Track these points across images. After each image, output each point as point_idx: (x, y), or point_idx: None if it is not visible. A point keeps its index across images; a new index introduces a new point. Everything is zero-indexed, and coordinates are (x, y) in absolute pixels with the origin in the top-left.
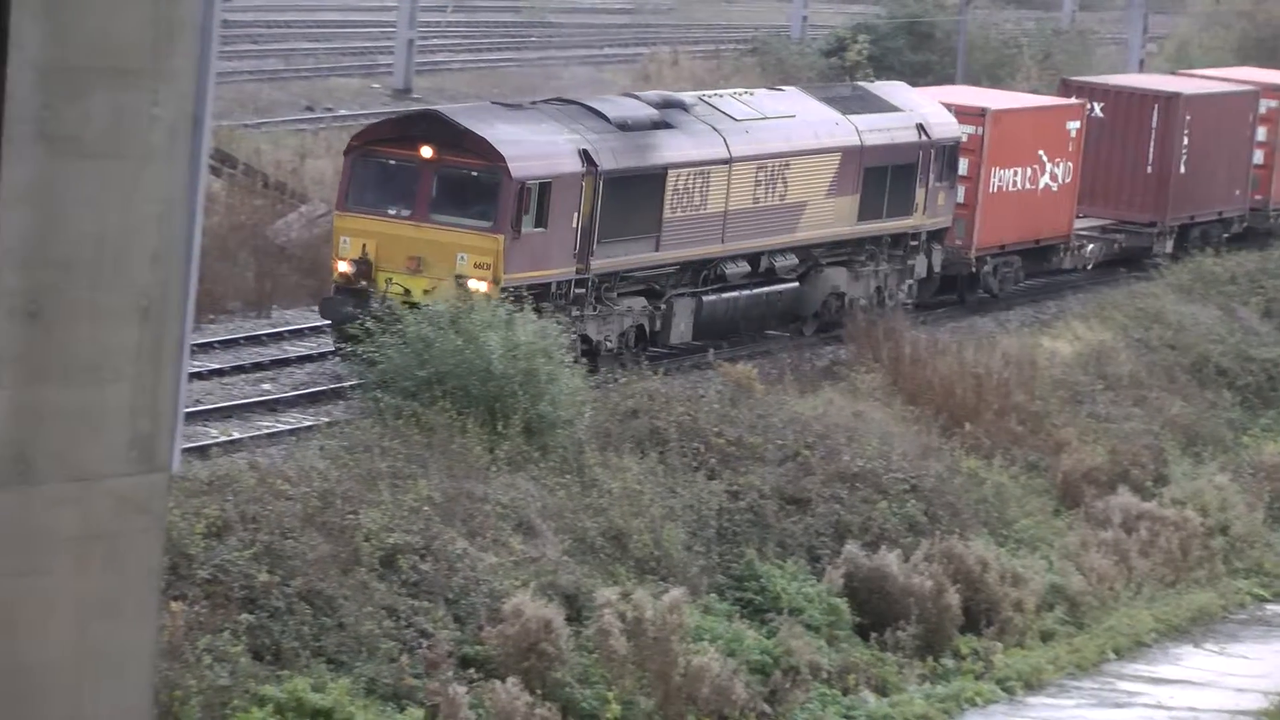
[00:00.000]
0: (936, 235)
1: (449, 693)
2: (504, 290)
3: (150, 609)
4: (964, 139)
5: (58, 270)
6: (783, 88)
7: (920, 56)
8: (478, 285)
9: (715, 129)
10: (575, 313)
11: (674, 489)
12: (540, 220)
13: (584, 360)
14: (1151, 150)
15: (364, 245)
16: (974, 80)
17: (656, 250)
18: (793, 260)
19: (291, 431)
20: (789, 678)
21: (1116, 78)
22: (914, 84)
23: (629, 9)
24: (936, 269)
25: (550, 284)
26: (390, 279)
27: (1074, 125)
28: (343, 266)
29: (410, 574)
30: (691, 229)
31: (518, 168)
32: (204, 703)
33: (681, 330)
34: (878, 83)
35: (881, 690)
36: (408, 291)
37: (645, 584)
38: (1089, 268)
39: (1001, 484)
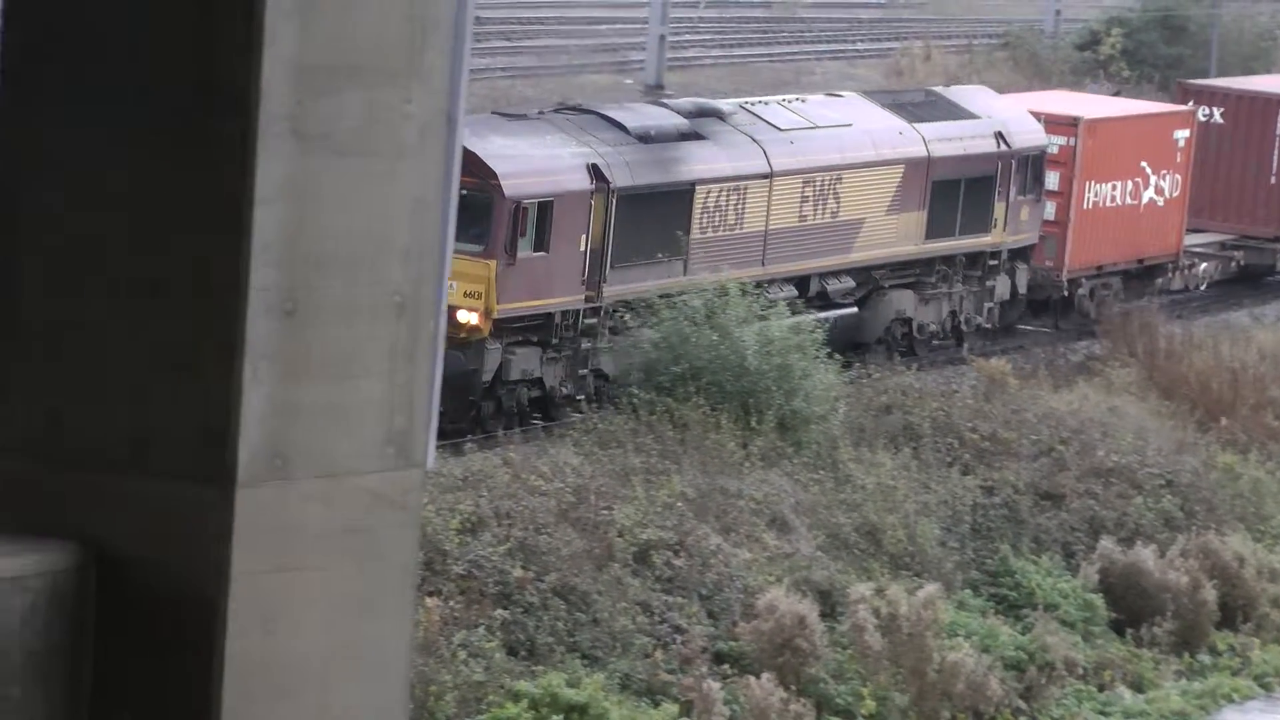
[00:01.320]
0: (1020, 254)
1: (703, 688)
2: (497, 321)
3: (406, 605)
4: (1054, 150)
5: (311, 267)
6: (843, 93)
7: (1174, 50)
8: (468, 317)
9: (755, 140)
10: (586, 345)
11: (928, 484)
12: (540, 243)
13: (594, 399)
14: (1276, 158)
15: None
16: (1227, 74)
17: (684, 274)
18: (849, 283)
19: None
20: (1044, 674)
21: (1238, 80)
22: (1166, 79)
23: (881, 4)
24: (1021, 290)
25: (554, 314)
26: None
27: (1182, 134)
28: None
29: (664, 570)
30: (725, 250)
31: (512, 185)
32: (459, 698)
33: None
34: (957, 88)
35: (1137, 686)
36: None
37: (899, 580)
38: (1202, 288)
39: (1258, 479)
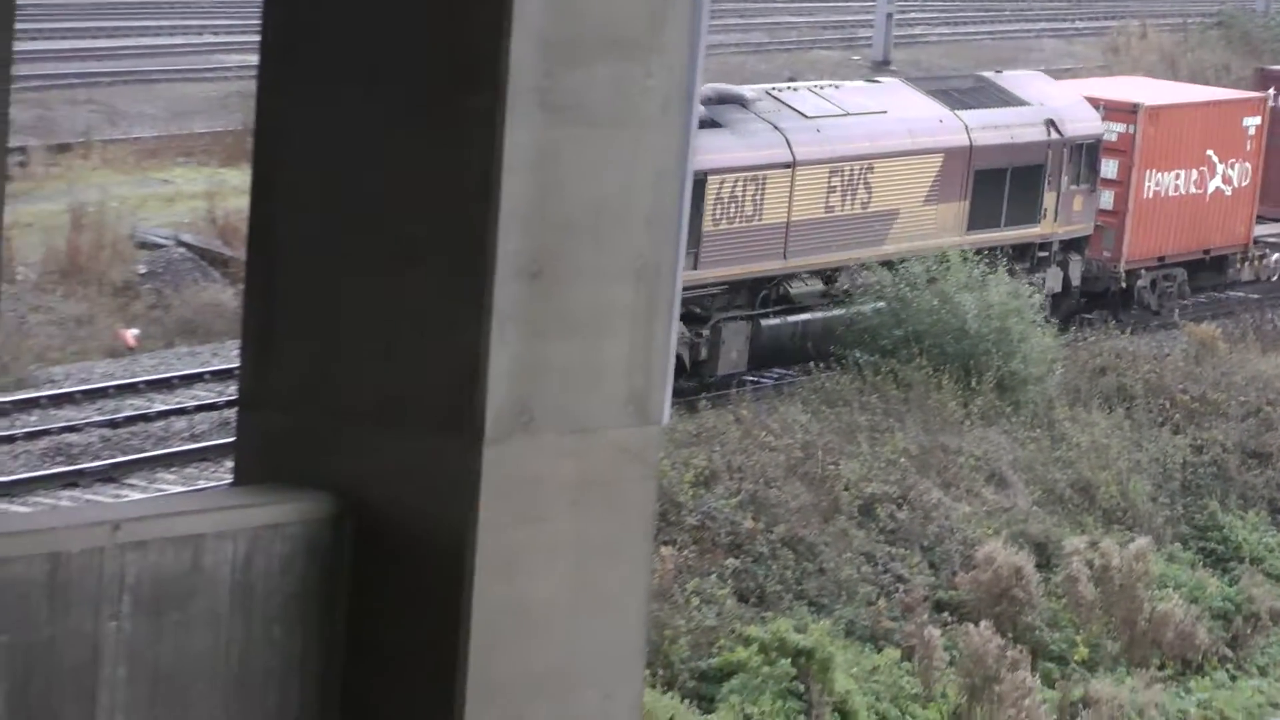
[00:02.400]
0: (1074, 245)
1: (924, 635)
2: None
3: (644, 553)
4: (1113, 138)
5: (558, 233)
6: (881, 79)
7: None
8: None
9: (777, 128)
10: None
11: (1140, 443)
12: None
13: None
14: None
15: None
16: None
17: (694, 268)
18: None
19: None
20: (1250, 624)
21: None
22: None
23: None
24: (1075, 282)
25: None
26: None
27: (1253, 121)
28: None
29: (888, 522)
30: (742, 243)
31: None
32: (692, 642)
33: (734, 359)
34: (1008, 73)
35: None
36: None
37: (1112, 533)
38: (1275, 279)
39: None
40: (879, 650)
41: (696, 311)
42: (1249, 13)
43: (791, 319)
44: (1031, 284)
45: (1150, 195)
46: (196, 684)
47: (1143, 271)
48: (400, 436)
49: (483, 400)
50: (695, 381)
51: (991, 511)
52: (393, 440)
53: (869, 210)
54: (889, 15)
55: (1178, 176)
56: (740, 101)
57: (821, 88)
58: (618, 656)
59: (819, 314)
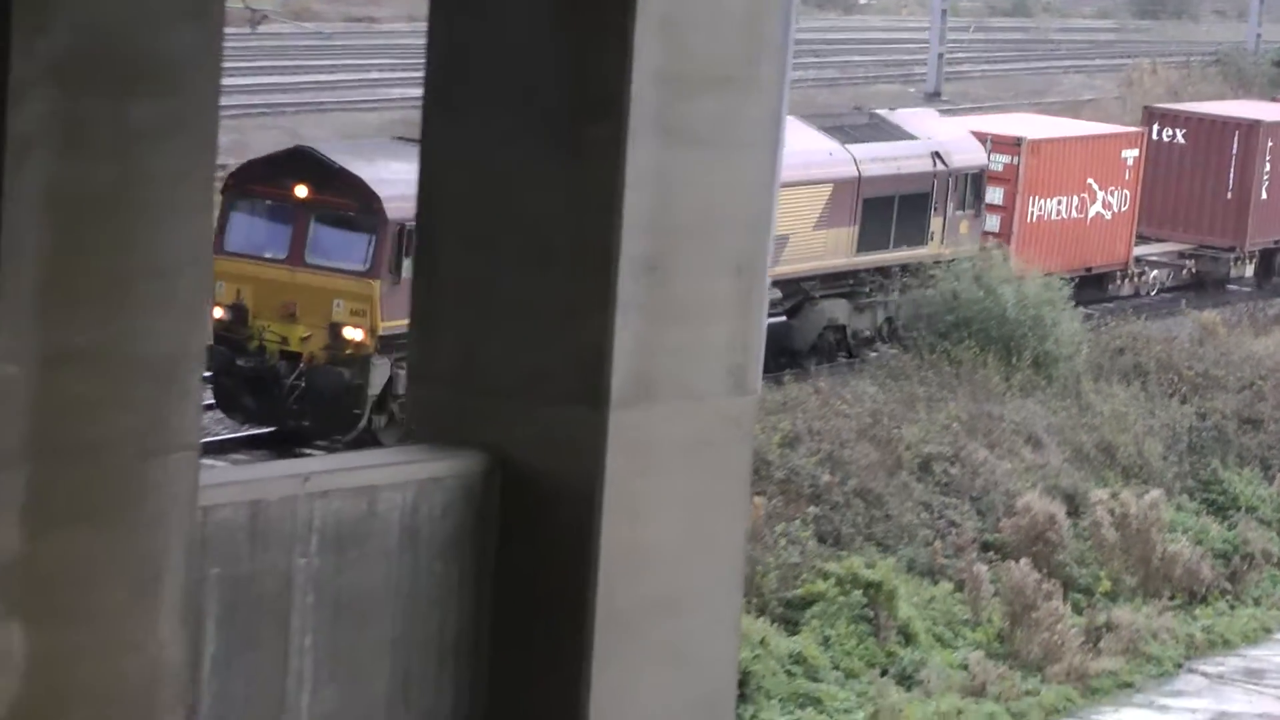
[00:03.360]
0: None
1: (974, 570)
2: (382, 338)
3: (741, 502)
4: (999, 168)
5: (670, 236)
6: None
7: None
8: (353, 333)
9: None
10: None
11: (1153, 411)
12: None
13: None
14: (1231, 176)
15: (238, 290)
16: None
17: None
18: (775, 293)
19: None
20: (1246, 561)
21: (1199, 105)
22: None
23: (1115, 28)
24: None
25: None
26: (266, 326)
27: (1131, 154)
28: (217, 313)
29: (942, 477)
30: None
31: (395, 208)
32: (780, 576)
33: None
34: (903, 111)
35: None
36: (284, 340)
37: (1130, 486)
38: (1153, 294)
39: None
40: (935, 583)
41: None
42: (1242, 51)
43: None
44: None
45: (1033, 219)
46: (371, 610)
47: None
48: (541, 405)
49: (609, 375)
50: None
51: (1029, 468)
52: (534, 408)
53: None
54: (940, 55)
55: (1059, 202)
56: None
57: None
58: (719, 587)
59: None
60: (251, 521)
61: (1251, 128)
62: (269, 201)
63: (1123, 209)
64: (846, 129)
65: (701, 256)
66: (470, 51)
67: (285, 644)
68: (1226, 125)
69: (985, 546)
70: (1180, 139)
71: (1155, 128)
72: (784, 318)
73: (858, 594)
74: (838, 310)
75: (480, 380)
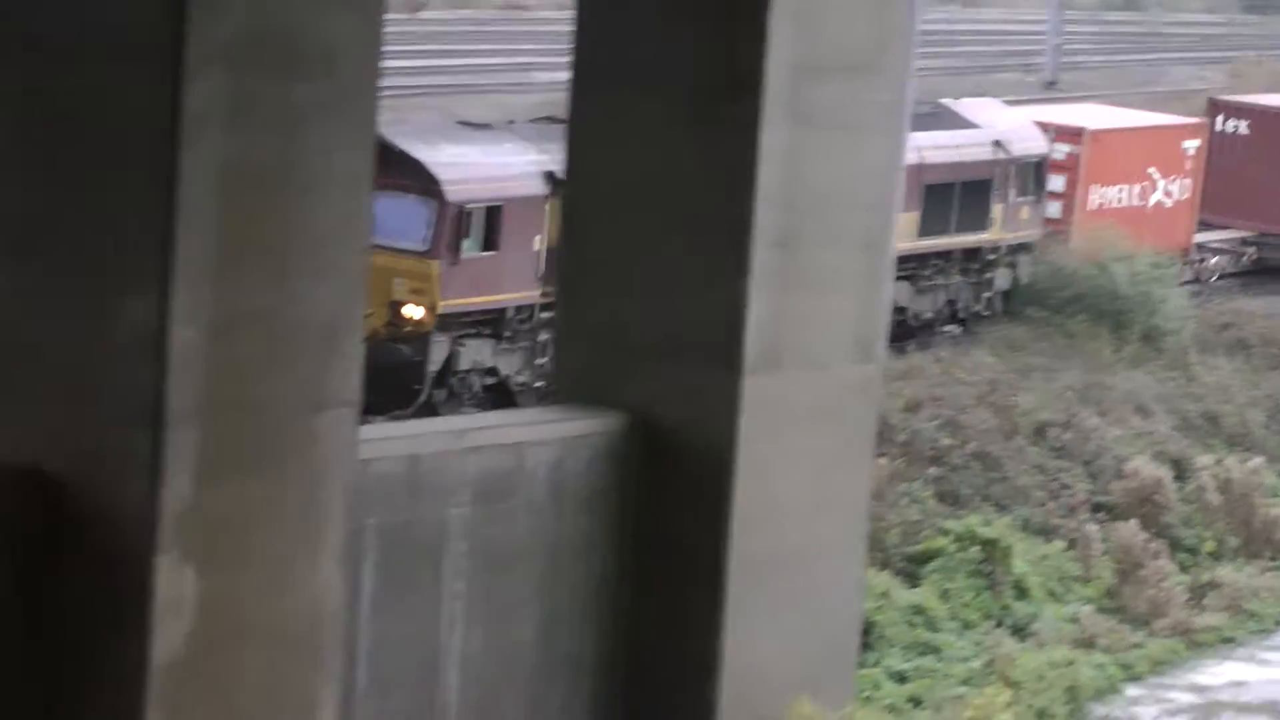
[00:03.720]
0: (1022, 248)
1: (1084, 529)
2: (442, 316)
3: (865, 462)
4: (1061, 156)
5: (801, 212)
6: None
7: None
8: (414, 311)
9: None
10: (542, 338)
11: (1256, 383)
12: (488, 243)
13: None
14: None
15: None
16: None
17: None
18: None
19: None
20: None
21: (1262, 97)
22: None
23: (1223, 23)
24: (1024, 280)
25: (505, 309)
26: None
27: (1192, 144)
28: None
29: (1055, 442)
30: None
31: (454, 190)
32: (901, 532)
33: None
34: (969, 100)
35: None
36: None
37: (1233, 453)
38: (1215, 279)
39: None
40: (1048, 541)
41: None
42: None
43: None
44: (979, 283)
45: (1094, 206)
46: (518, 558)
47: None
48: (679, 368)
49: (743, 341)
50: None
51: (1138, 435)
52: (673, 371)
53: None
54: (1057, 45)
55: (1120, 190)
56: None
57: None
58: (844, 541)
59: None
60: (409, 474)
61: None
62: None
63: (1184, 197)
64: (910, 118)
65: (830, 232)
66: (614, 37)
67: (438, 589)
68: None
69: (1096, 507)
70: (1244, 130)
71: (1220, 119)
72: None
73: (975, 550)
74: (900, 293)
75: (622, 345)
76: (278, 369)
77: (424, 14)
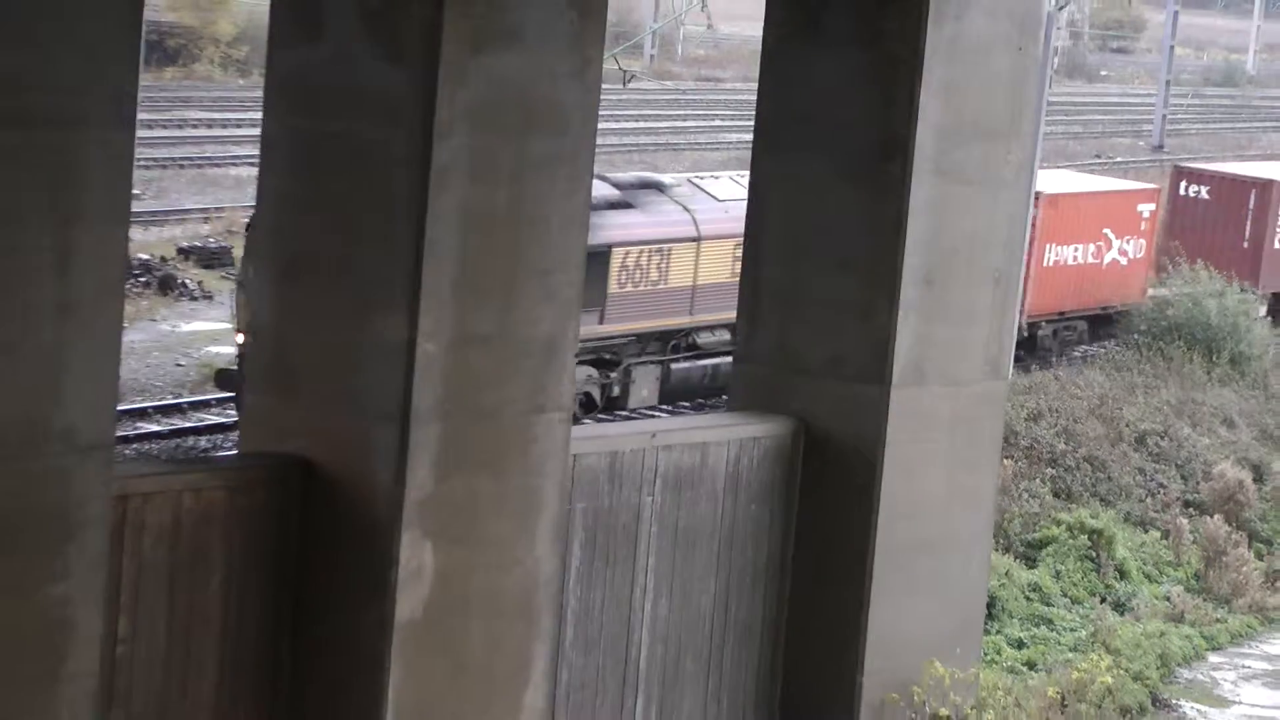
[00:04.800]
0: None
1: (1176, 522)
2: None
3: (994, 464)
4: None
5: (943, 254)
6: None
7: None
8: None
9: (686, 208)
10: None
11: None
12: None
13: None
14: (1248, 228)
15: None
16: None
17: (600, 323)
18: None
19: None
20: None
21: (1222, 165)
22: None
23: None
24: None
25: None
26: None
27: (1147, 208)
28: (240, 339)
29: (1154, 448)
30: (645, 303)
31: None
32: (1022, 522)
33: (644, 395)
34: None
35: None
36: None
37: None
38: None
39: None
40: (1145, 532)
41: (606, 358)
42: None
43: (700, 363)
44: None
45: (1050, 263)
46: (701, 540)
47: (1043, 323)
48: (837, 383)
49: (892, 361)
50: (610, 414)
51: (1224, 443)
52: (832, 386)
53: None
54: (1164, 115)
55: (1075, 249)
56: (658, 187)
57: (741, 176)
58: (974, 530)
59: (724, 359)
60: (610, 467)
61: (1265, 186)
62: None
63: (1139, 255)
64: None
65: (967, 271)
66: (792, 105)
67: (634, 564)
68: (1244, 183)
69: (1186, 504)
70: (1204, 195)
71: (1184, 184)
72: None
73: (1084, 538)
74: None
75: (790, 361)
76: (504, 378)
77: (634, 85)
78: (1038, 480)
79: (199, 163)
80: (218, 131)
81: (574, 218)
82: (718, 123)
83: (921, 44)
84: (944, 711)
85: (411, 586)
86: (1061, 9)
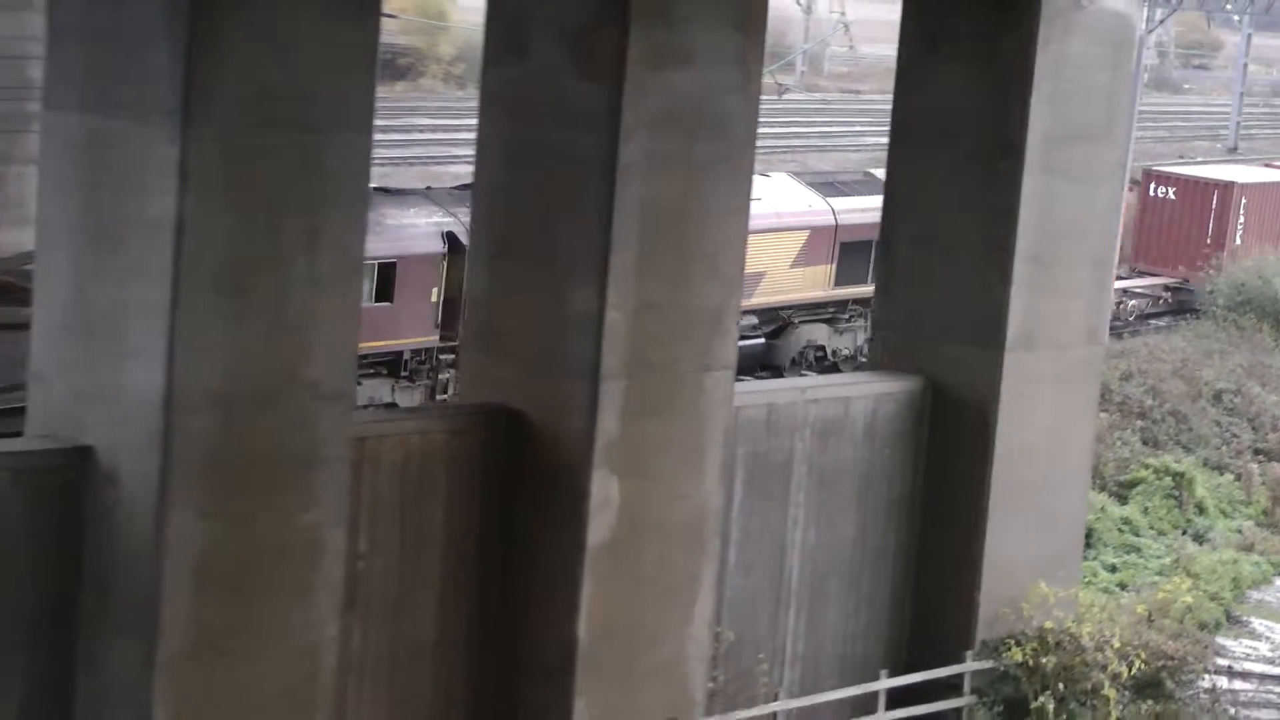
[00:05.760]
0: None
1: (1248, 467)
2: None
3: (1090, 417)
4: None
5: (1049, 238)
6: (771, 175)
7: None
8: None
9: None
10: (443, 376)
11: None
12: (383, 295)
13: None
14: (1210, 226)
15: None
16: None
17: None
18: (752, 320)
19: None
20: None
21: (1188, 167)
22: None
23: None
24: None
25: (402, 351)
26: None
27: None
28: None
29: (1229, 403)
30: None
31: None
32: (1115, 466)
33: None
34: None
35: None
36: None
37: None
38: (1133, 319)
39: None
40: (1221, 475)
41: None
42: None
43: None
44: None
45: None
46: (843, 479)
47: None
48: (959, 347)
49: (1005, 329)
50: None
51: None
52: (954, 349)
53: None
54: (1238, 122)
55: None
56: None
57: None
58: (1074, 472)
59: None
60: (768, 417)
61: (1227, 187)
62: None
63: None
64: (835, 184)
65: (1069, 253)
66: (922, 112)
67: (786, 499)
68: (1208, 185)
69: (1256, 451)
70: (1171, 195)
71: (1152, 185)
72: (761, 340)
73: (1168, 479)
74: (818, 333)
75: (919, 329)
76: (678, 341)
77: (788, 96)
78: (1129, 430)
79: (425, 161)
80: (440, 135)
81: (738, 209)
82: (859, 127)
83: (1032, 62)
84: (1048, 624)
85: (600, 515)
86: (1150, 32)
